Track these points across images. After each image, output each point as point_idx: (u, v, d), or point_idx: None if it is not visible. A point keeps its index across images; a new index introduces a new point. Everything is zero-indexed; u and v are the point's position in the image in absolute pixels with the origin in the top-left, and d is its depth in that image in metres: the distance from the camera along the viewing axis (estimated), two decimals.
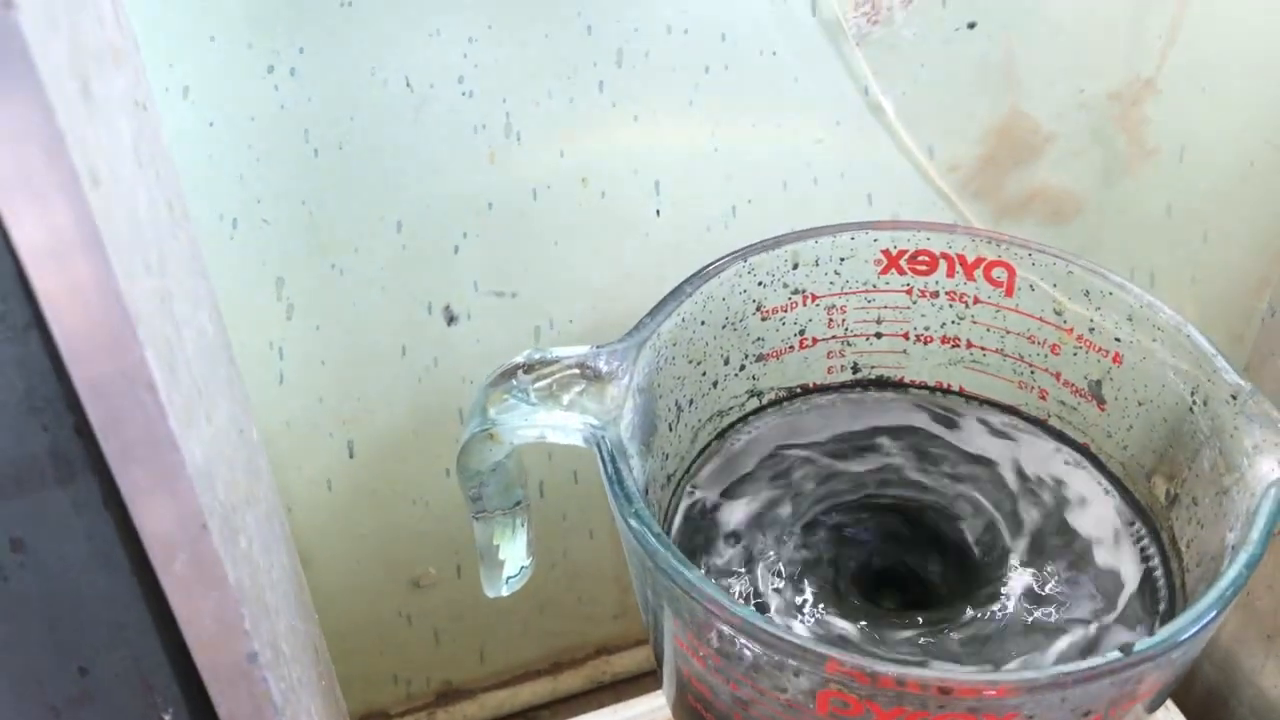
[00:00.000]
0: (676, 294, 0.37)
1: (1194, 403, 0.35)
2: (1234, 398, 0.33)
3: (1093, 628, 0.35)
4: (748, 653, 0.29)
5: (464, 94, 0.41)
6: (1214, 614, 0.29)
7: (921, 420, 0.41)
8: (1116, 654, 0.28)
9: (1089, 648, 0.34)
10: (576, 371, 0.34)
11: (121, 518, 0.23)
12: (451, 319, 0.46)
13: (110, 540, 0.23)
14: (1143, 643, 0.28)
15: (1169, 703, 0.50)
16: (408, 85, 0.40)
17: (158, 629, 0.24)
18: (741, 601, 0.36)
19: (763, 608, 0.36)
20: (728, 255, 0.38)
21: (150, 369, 0.19)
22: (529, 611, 0.56)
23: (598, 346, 0.35)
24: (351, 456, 0.48)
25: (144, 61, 0.26)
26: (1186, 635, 0.29)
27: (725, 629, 0.29)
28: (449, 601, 0.53)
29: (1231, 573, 0.30)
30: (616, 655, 0.59)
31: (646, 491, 0.35)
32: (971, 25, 0.45)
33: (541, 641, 0.57)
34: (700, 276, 0.38)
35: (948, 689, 0.27)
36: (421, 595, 0.53)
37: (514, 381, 0.34)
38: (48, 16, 0.18)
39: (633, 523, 0.31)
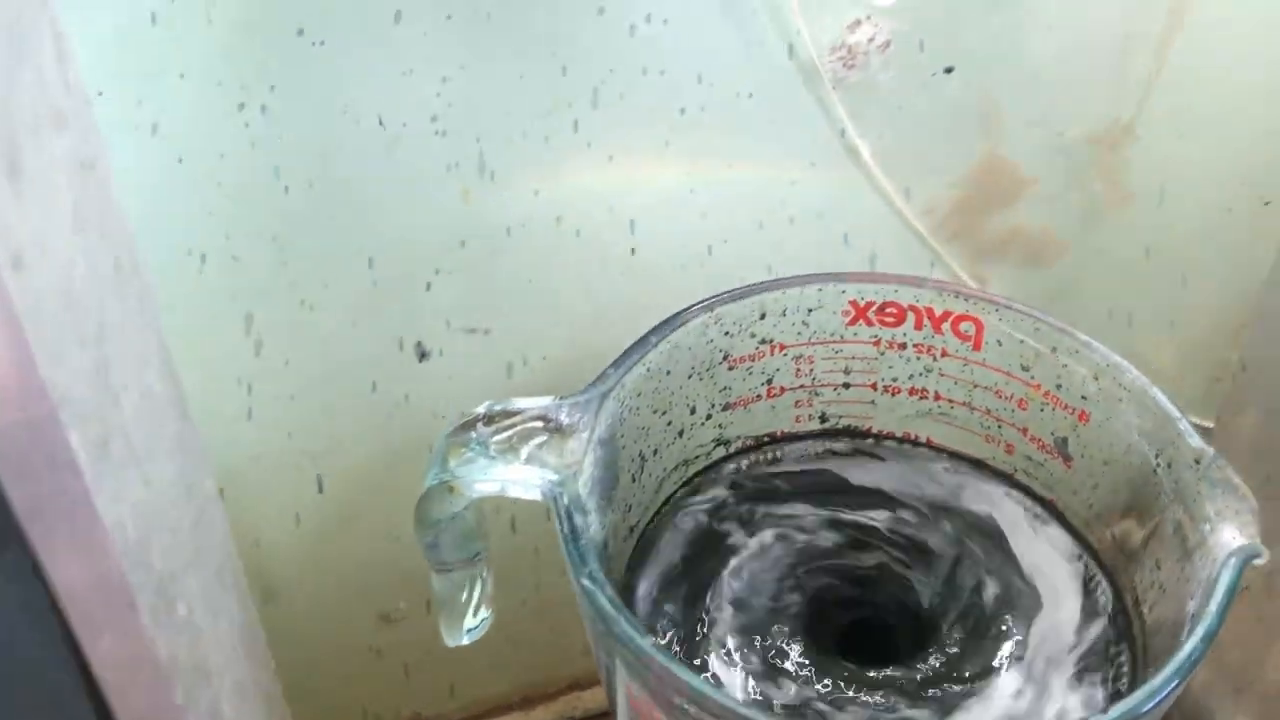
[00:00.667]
0: (641, 344, 0.37)
1: (1158, 465, 0.34)
2: (1197, 462, 0.33)
3: (1053, 691, 0.34)
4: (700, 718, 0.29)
5: (437, 132, 0.41)
6: (1172, 686, 0.29)
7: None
8: None
9: (1050, 714, 0.34)
10: (539, 424, 0.34)
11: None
12: (423, 355, 0.46)
13: (43, 611, 0.22)
14: (1098, 718, 0.28)
15: None
16: (380, 123, 0.40)
17: (91, 701, 0.24)
18: (691, 667, 0.35)
19: (719, 666, 0.35)
20: (694, 305, 0.38)
21: (75, 453, 0.19)
22: (500, 646, 0.55)
23: (560, 398, 0.35)
24: (321, 491, 0.47)
25: (96, 116, 0.26)
26: (1144, 710, 0.29)
27: (676, 698, 0.29)
28: (419, 636, 0.53)
29: (1189, 646, 0.29)
30: (588, 690, 0.58)
31: (606, 545, 0.34)
32: (949, 70, 0.45)
33: (512, 676, 0.57)
34: (666, 326, 0.37)
35: None
36: (391, 629, 0.52)
37: (473, 434, 0.34)
38: None
39: (586, 583, 0.30)
